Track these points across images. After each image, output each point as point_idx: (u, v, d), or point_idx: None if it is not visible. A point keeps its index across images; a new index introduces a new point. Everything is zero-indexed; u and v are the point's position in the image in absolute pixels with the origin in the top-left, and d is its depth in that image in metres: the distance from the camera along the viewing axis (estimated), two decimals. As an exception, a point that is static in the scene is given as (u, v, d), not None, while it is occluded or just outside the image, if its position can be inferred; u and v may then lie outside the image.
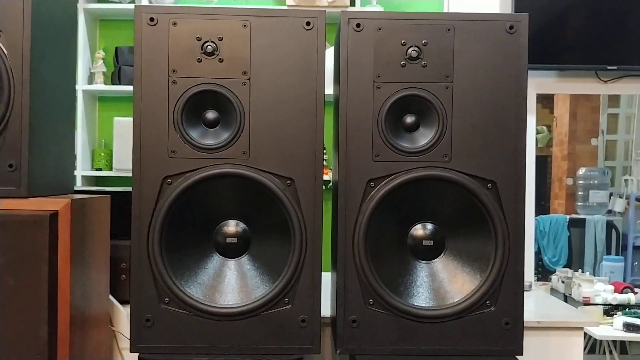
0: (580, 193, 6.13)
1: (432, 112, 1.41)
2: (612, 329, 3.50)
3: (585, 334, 2.40)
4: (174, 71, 1.39)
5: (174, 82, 1.39)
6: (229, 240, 1.44)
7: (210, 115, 1.41)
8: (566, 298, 4.08)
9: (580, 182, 6.18)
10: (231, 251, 1.44)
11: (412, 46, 1.40)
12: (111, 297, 1.76)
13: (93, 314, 1.57)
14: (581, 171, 6.27)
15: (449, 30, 1.40)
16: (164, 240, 1.38)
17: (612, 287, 3.94)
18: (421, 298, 1.42)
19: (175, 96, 1.39)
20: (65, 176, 1.64)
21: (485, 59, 1.40)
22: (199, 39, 1.39)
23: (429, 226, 1.45)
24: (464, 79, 1.40)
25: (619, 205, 5.80)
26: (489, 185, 1.41)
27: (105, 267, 1.67)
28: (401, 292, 1.42)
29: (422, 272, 1.45)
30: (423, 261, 1.46)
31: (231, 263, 1.44)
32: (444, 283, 1.44)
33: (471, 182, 1.40)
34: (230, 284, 1.42)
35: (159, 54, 1.39)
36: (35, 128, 1.41)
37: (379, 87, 1.40)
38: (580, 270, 4.60)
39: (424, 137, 1.42)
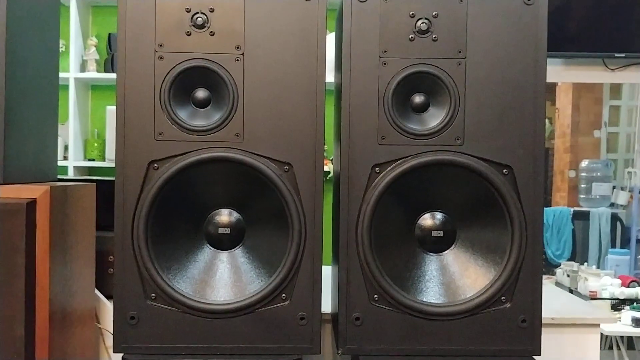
0: (583, 186, 6.11)
1: (443, 91, 1.32)
2: (621, 324, 3.46)
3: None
4: (160, 46, 1.30)
5: (161, 58, 1.30)
6: (221, 230, 1.36)
7: (201, 94, 1.33)
8: (571, 292, 4.01)
9: (583, 174, 6.15)
10: (224, 242, 1.36)
11: (421, 18, 1.31)
12: (97, 292, 1.69)
13: (76, 311, 1.50)
14: (584, 163, 6.24)
15: (461, 1, 1.31)
16: (150, 231, 1.30)
17: (619, 281, 3.90)
18: (430, 293, 1.34)
19: (162, 73, 1.30)
20: (47, 164, 1.57)
21: (501, 32, 1.32)
22: (188, 10, 1.30)
23: (439, 215, 1.37)
24: (478, 54, 1.32)
25: (622, 197, 5.81)
26: (504, 170, 1.32)
27: (90, 260, 1.60)
28: (409, 287, 1.33)
29: (432, 265, 1.37)
30: (432, 253, 1.37)
31: (224, 255, 1.36)
32: (455, 277, 1.35)
33: (485, 167, 1.32)
34: (223, 278, 1.34)
35: (145, 27, 1.30)
36: (11, 111, 1.34)
37: (385, 64, 1.31)
38: (585, 263, 4.54)
39: (434, 118, 1.33)
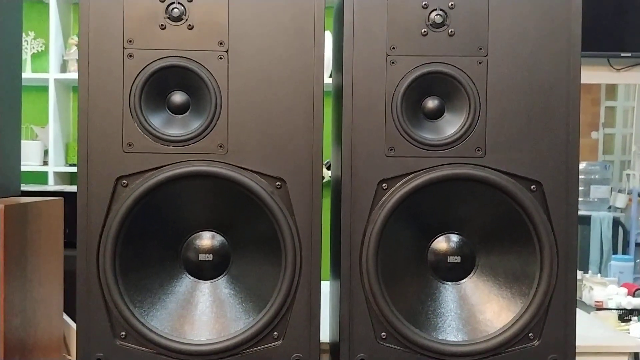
0: (581, 188, 6.07)
1: (461, 94, 1.22)
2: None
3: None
4: (130, 41, 1.21)
5: (131, 56, 1.21)
6: (202, 257, 1.26)
7: (177, 97, 1.24)
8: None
9: (581, 177, 6.11)
10: (205, 271, 1.27)
11: (435, 9, 1.21)
12: (66, 318, 1.57)
13: (41, 342, 1.39)
14: (582, 165, 6.21)
15: (482, -11, 1.22)
16: (119, 259, 1.21)
17: (625, 290, 3.84)
18: (447, 330, 1.24)
19: (132, 74, 1.21)
20: (8, 176, 1.47)
21: (529, 26, 1.21)
22: (162, 0, 1.21)
23: (456, 238, 1.27)
24: (501, 51, 1.21)
25: (620, 200, 5.77)
26: (532, 186, 1.22)
27: (57, 284, 1.50)
28: (421, 323, 1.23)
29: (448, 296, 1.27)
30: (448, 282, 1.27)
31: (205, 286, 1.27)
32: (475, 310, 1.25)
33: (510, 182, 1.22)
34: (205, 313, 1.25)
35: (112, 19, 1.20)
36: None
37: (393, 62, 1.21)
38: (590, 271, 4.50)
39: (450, 126, 1.24)
